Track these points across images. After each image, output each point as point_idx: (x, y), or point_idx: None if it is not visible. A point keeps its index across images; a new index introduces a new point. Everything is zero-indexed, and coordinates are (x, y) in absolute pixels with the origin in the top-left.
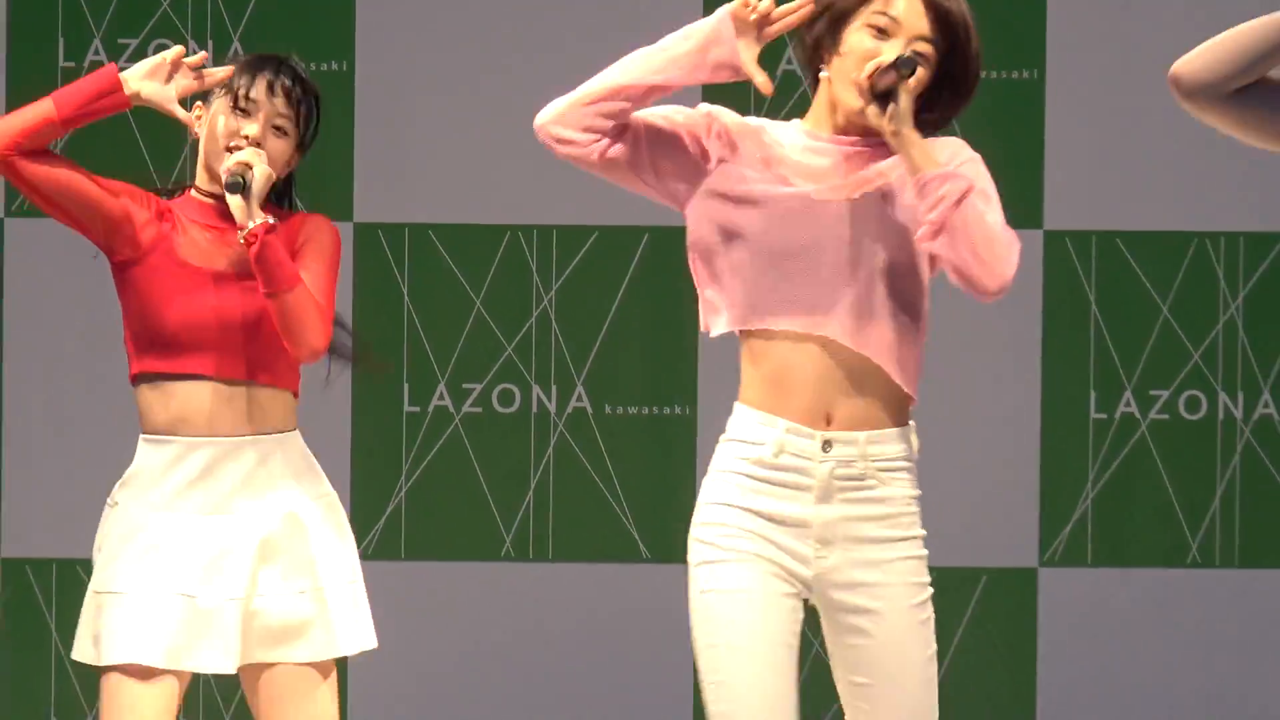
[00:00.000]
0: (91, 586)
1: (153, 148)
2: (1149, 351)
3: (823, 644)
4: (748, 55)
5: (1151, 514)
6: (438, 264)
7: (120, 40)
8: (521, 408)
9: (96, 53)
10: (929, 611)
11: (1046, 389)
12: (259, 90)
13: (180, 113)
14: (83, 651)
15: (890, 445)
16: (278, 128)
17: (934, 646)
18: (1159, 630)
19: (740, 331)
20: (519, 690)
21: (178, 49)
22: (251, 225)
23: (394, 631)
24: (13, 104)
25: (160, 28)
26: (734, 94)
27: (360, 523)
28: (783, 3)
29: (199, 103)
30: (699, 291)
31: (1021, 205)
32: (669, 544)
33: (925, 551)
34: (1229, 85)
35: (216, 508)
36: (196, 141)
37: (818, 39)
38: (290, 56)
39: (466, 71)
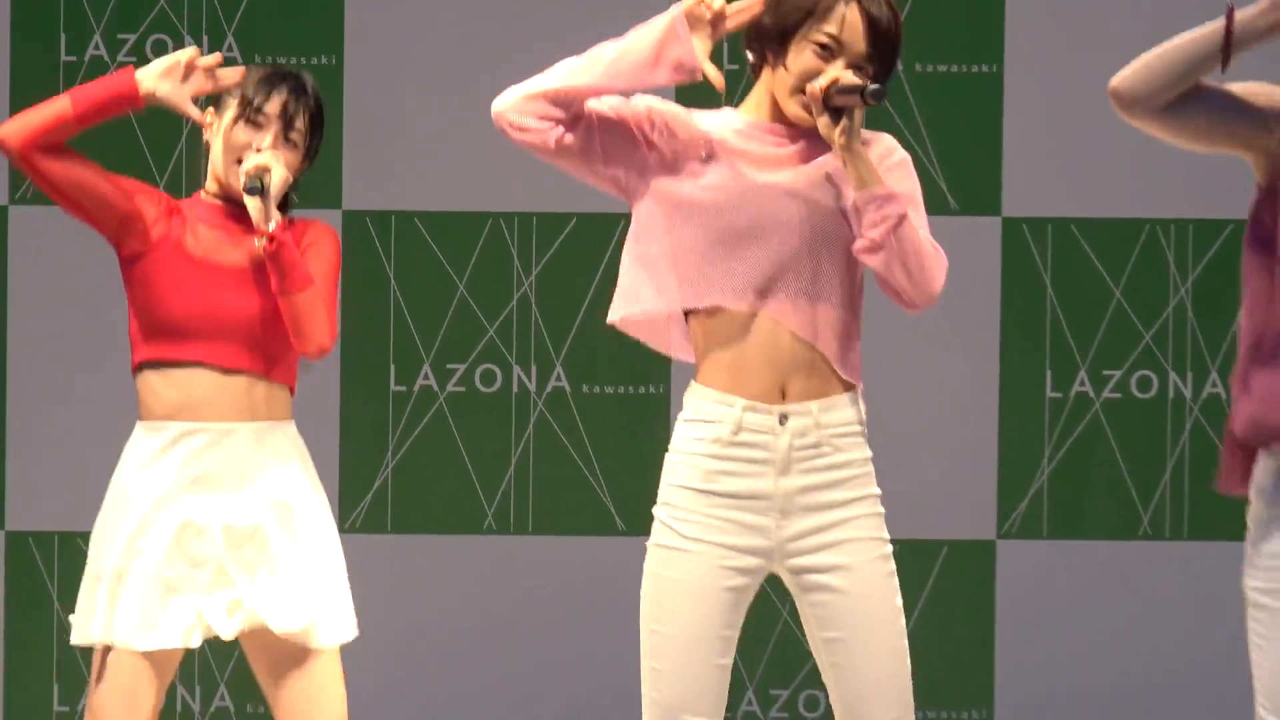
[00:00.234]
0: (87, 568)
1: (150, 141)
2: (1102, 333)
3: (792, 613)
4: (701, 51)
5: (1104, 488)
6: (423, 249)
7: (119, 35)
8: (503, 387)
9: (96, 48)
10: (892, 565)
11: (1005, 369)
12: (273, 107)
13: (194, 112)
14: (80, 635)
15: (842, 411)
16: (288, 139)
17: (900, 599)
18: (1112, 599)
19: (689, 312)
20: (500, 655)
21: (192, 49)
22: (270, 226)
23: (381, 601)
24: (15, 97)
25: (158, 23)
26: (695, 90)
27: (348, 497)
28: None
29: (210, 108)
30: (620, 279)
31: (981, 193)
32: (643, 518)
33: (882, 510)
34: (1164, 97)
35: (209, 490)
36: (203, 142)
37: (763, 40)
38: (301, 72)
39: (451, 68)
